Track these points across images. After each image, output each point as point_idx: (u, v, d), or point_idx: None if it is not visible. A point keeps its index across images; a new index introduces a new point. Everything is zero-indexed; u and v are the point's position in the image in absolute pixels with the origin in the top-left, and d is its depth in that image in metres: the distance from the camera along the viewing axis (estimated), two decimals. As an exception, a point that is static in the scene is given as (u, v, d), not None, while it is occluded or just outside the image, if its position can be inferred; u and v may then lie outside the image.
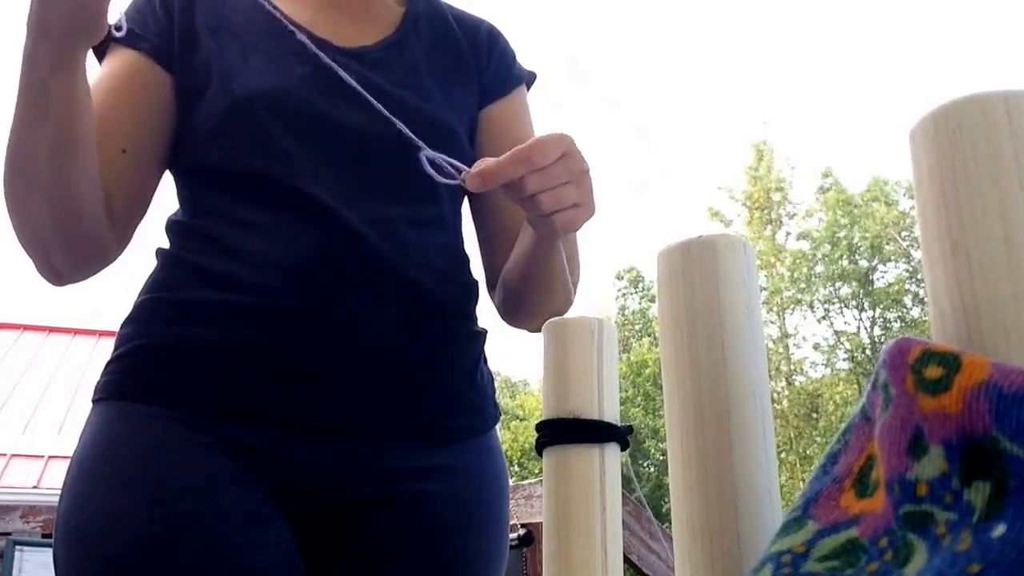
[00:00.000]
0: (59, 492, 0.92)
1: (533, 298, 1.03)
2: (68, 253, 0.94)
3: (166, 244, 1.00)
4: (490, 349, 1.10)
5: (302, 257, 0.91)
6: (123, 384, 0.92)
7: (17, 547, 5.12)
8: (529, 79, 1.17)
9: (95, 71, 1.01)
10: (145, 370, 0.91)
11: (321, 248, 0.92)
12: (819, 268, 20.15)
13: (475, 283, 1.08)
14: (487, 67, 1.12)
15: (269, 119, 0.95)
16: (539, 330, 1.06)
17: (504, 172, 0.79)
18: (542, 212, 0.81)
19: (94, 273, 0.99)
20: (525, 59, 1.20)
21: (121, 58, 1.00)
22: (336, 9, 1.08)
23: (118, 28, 0.98)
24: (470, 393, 1.01)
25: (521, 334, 1.13)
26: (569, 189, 0.81)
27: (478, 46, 1.13)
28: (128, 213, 0.98)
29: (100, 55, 1.03)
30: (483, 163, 0.79)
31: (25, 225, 0.91)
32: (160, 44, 1.00)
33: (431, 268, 0.97)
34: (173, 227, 1.00)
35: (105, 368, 0.95)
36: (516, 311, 1.08)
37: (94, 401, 0.94)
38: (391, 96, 0.99)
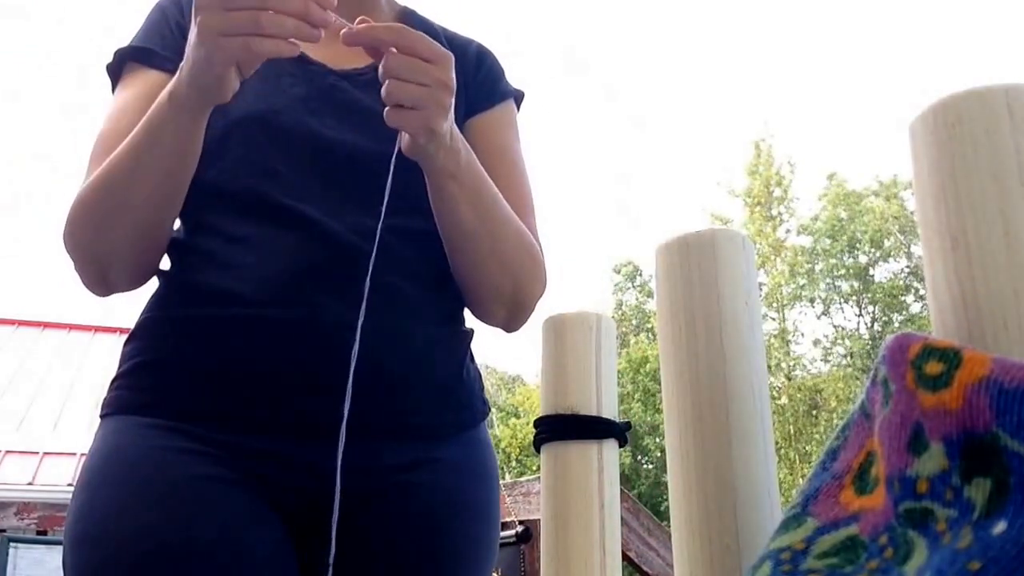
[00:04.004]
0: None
1: (461, 264, 1.01)
2: (129, 272, 0.99)
3: (167, 263, 1.04)
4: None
5: (290, 269, 0.95)
6: (127, 399, 0.97)
7: (12, 544, 5.11)
8: (517, 96, 1.20)
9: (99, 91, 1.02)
10: (145, 386, 0.96)
11: (308, 260, 0.96)
12: (819, 264, 20.14)
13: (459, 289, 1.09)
14: (472, 81, 1.15)
15: (262, 138, 1.00)
16: (507, 323, 1.06)
17: (373, 32, 0.85)
18: (387, 99, 0.84)
19: (136, 288, 1.03)
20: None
21: (145, 80, 1.04)
22: (330, 32, 1.09)
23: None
24: (458, 390, 1.04)
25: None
26: (416, 89, 0.84)
27: (466, 63, 1.15)
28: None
29: (115, 80, 1.05)
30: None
31: (98, 242, 0.96)
32: (179, 61, 1.01)
33: (416, 276, 1.00)
34: (173, 245, 1.04)
35: (110, 385, 1.00)
36: (468, 295, 1.06)
37: (101, 416, 0.99)
38: (380, 117, 1.02)
